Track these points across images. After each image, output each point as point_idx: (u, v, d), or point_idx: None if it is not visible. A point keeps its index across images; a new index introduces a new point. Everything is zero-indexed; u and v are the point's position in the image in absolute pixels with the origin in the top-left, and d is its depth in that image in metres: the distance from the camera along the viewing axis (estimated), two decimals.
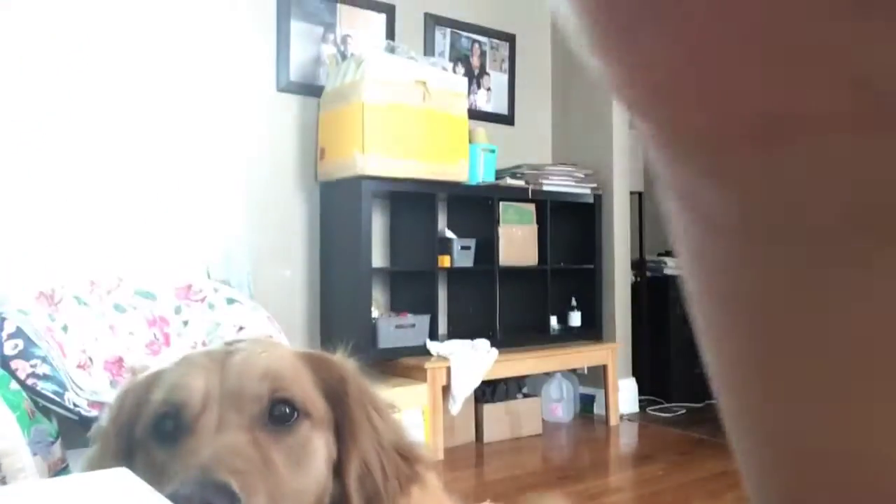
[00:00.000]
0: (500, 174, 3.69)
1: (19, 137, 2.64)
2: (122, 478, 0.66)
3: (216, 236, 3.01)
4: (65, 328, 2.37)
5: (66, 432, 2.05)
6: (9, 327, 2.13)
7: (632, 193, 4.16)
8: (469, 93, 3.64)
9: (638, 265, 4.24)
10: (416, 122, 3.21)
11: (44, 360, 2.11)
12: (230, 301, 2.75)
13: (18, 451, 1.85)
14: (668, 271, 4.26)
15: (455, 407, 3.17)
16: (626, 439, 3.58)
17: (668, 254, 4.48)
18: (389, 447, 0.83)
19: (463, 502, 2.34)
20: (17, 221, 2.62)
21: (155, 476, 0.71)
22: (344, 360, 0.87)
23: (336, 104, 3.21)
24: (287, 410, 0.77)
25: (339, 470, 0.80)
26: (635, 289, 4.16)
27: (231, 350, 0.81)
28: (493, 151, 3.62)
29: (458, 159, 3.36)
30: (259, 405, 0.75)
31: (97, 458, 0.79)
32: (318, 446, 0.79)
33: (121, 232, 2.83)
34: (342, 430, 0.81)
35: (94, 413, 2.09)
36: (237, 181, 3.10)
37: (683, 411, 3.98)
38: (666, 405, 4.07)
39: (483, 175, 3.55)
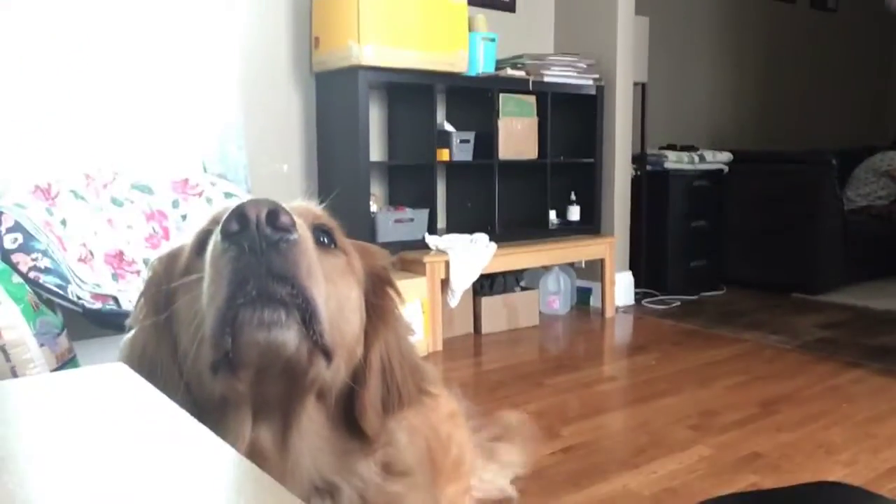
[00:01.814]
0: (500, 64, 3.59)
1: (13, 31, 2.54)
2: (119, 372, 0.68)
3: (211, 130, 2.96)
4: (63, 222, 2.36)
5: (71, 324, 2.09)
6: (7, 221, 2.12)
7: (635, 84, 4.06)
8: None
9: (638, 159, 4.20)
10: (413, 9, 3.09)
11: (44, 253, 2.12)
12: (228, 195, 2.74)
13: (26, 342, 1.89)
14: (668, 165, 4.23)
15: (454, 300, 3.22)
16: (620, 330, 3.66)
17: (670, 147, 4.42)
18: (408, 356, 0.85)
19: (462, 392, 2.40)
20: (11, 115, 2.57)
21: (199, 280, 0.72)
22: (386, 254, 0.88)
23: None
24: (326, 241, 0.78)
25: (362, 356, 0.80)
26: (635, 183, 4.13)
27: None
28: (493, 40, 3.50)
29: (456, 48, 3.25)
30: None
31: (139, 328, 0.80)
32: (355, 292, 0.80)
33: (115, 126, 2.78)
34: (373, 316, 0.82)
35: (97, 305, 2.11)
36: (231, 73, 3.01)
37: (678, 303, 4.05)
38: (661, 297, 4.14)
39: (483, 65, 3.45)
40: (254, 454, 0.72)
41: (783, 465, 1.99)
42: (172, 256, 0.82)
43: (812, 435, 2.20)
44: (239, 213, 0.66)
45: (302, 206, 0.81)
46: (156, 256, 0.85)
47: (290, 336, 0.67)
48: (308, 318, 0.67)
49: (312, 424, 0.75)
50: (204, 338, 0.68)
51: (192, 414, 0.74)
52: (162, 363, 0.76)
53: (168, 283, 0.79)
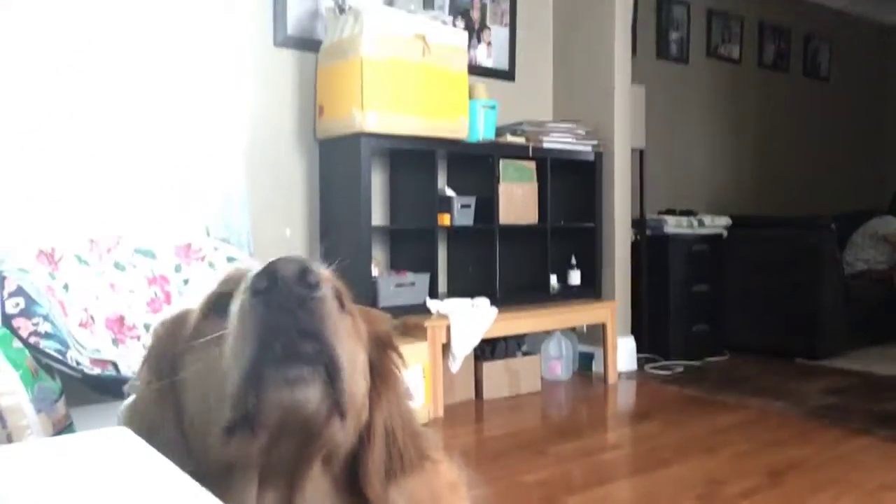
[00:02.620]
0: (500, 131, 3.66)
1: (18, 96, 2.60)
2: (122, 436, 0.67)
3: (215, 195, 2.99)
4: (66, 287, 2.37)
5: (69, 390, 2.07)
6: (10, 286, 2.13)
7: (633, 151, 4.12)
8: (469, 47, 3.59)
9: (638, 224, 4.23)
10: (415, 78, 3.17)
11: (45, 318, 2.11)
12: (230, 259, 2.75)
13: (23, 408, 1.87)
14: (668, 230, 4.26)
15: (455, 365, 3.19)
16: (623, 397, 3.62)
17: (669, 212, 4.47)
18: (409, 421, 0.85)
19: (463, 461, 2.36)
20: (17, 180, 2.60)
21: (210, 342, 0.72)
22: (389, 319, 0.88)
23: (334, 59, 3.16)
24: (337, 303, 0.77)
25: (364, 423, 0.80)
26: (635, 247, 4.16)
27: None
28: (493, 108, 3.57)
29: (457, 116, 3.32)
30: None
31: (141, 392, 0.79)
32: (362, 355, 0.79)
33: (120, 190, 2.81)
34: (376, 380, 0.82)
35: (96, 371, 2.10)
36: (236, 139, 3.06)
37: (681, 369, 4.01)
38: (664, 363, 4.10)
39: (483, 132, 3.52)
40: None
41: None
42: (177, 321, 0.82)
43: None
44: (269, 271, 0.66)
45: (290, 259, 0.81)
46: (158, 321, 0.85)
47: (313, 394, 0.67)
48: (332, 375, 0.68)
49: (317, 491, 0.74)
50: (223, 397, 0.67)
51: (195, 480, 0.73)
52: (165, 429, 0.75)
53: (173, 347, 0.79)
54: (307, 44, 3.33)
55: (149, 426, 0.75)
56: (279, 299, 0.65)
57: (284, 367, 0.65)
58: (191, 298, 2.72)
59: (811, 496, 2.22)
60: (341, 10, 3.25)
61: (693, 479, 2.38)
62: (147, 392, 0.78)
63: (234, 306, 0.69)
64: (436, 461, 0.91)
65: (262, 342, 0.65)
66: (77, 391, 2.12)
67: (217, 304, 0.77)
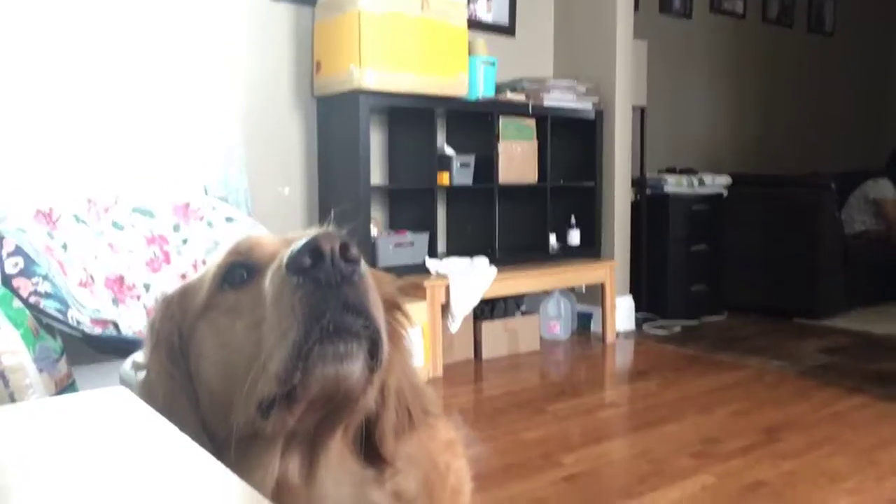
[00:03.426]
0: (500, 88, 3.61)
1: (17, 55, 2.56)
2: (121, 396, 0.67)
3: (213, 154, 2.97)
4: (64, 246, 2.36)
5: (70, 349, 2.08)
6: (8, 246, 2.12)
7: (634, 108, 4.08)
8: (469, 2, 3.52)
9: (638, 183, 4.21)
10: (414, 33, 3.12)
11: (45, 277, 2.11)
12: (229, 219, 2.74)
13: (25, 367, 1.88)
14: (668, 189, 4.24)
15: (454, 325, 3.21)
16: (621, 356, 3.64)
17: (669, 171, 4.44)
18: (414, 379, 0.85)
19: (462, 419, 2.39)
20: (14, 139, 2.58)
21: (229, 314, 0.72)
22: (394, 280, 0.89)
23: (332, 13, 3.11)
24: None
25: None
26: (635, 206, 4.14)
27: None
28: (492, 64, 3.52)
29: (457, 72, 3.27)
30: None
31: (152, 374, 0.78)
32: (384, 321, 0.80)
33: (117, 150, 2.79)
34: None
35: (97, 331, 2.11)
36: (233, 97, 3.03)
37: (679, 328, 4.03)
38: (662, 322, 4.12)
39: (483, 89, 3.47)
40: (281, 488, 0.71)
41: (788, 494, 1.97)
42: (185, 293, 0.81)
43: (816, 463, 2.19)
44: (312, 248, 0.66)
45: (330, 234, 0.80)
46: (161, 295, 0.84)
47: (358, 367, 0.68)
48: (373, 347, 0.68)
49: (337, 455, 0.75)
50: (260, 374, 0.67)
51: (209, 451, 0.73)
52: (182, 413, 0.74)
53: (181, 322, 0.78)
54: None
55: (166, 412, 0.74)
56: (325, 276, 0.65)
57: (333, 342, 0.66)
58: (190, 256, 2.72)
59: (806, 454, 2.25)
60: None
61: (689, 437, 2.41)
62: (158, 374, 0.77)
63: (269, 282, 0.68)
64: (438, 417, 0.92)
65: (308, 319, 0.65)
66: (78, 350, 2.13)
67: (230, 274, 0.76)
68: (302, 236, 0.68)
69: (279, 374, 0.66)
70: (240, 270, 0.76)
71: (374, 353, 0.69)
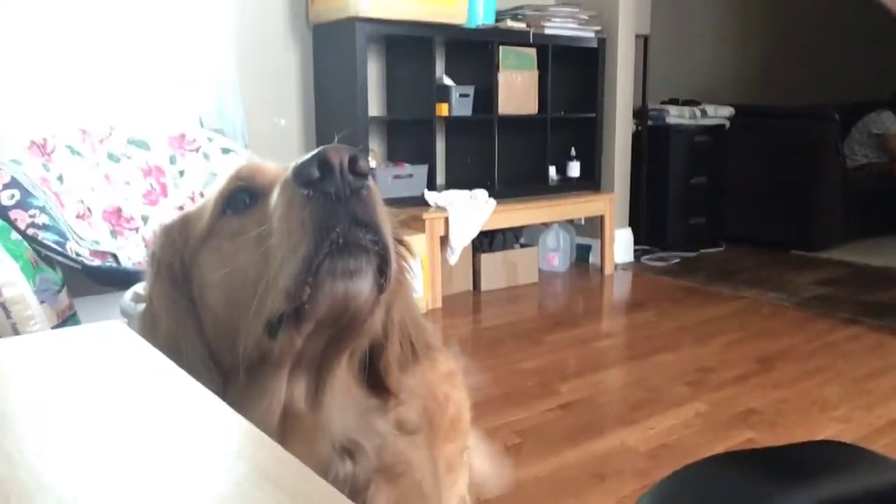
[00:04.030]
0: (500, 16, 3.52)
1: None
2: (118, 330, 0.67)
3: (208, 84, 2.91)
4: (60, 178, 2.35)
5: (71, 281, 2.09)
6: (3, 177, 2.10)
7: (637, 37, 3.99)
8: None
9: (639, 114, 4.15)
10: None
11: (42, 209, 2.10)
12: (225, 151, 2.71)
13: (26, 298, 1.89)
14: (669, 120, 4.18)
15: (453, 257, 3.22)
16: (619, 287, 3.67)
17: (672, 102, 4.37)
18: (416, 312, 0.85)
19: (461, 349, 2.42)
20: (6, 71, 2.53)
21: (233, 238, 0.71)
22: (395, 213, 0.88)
23: None
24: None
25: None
26: (635, 138, 4.10)
27: None
28: None
29: None
30: None
31: (154, 303, 0.77)
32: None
33: (111, 81, 2.74)
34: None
35: (96, 262, 2.11)
36: (227, 26, 2.95)
37: (677, 260, 4.05)
38: (660, 254, 4.14)
39: (482, 16, 3.39)
40: (287, 413, 0.71)
41: (778, 422, 2.02)
42: (186, 220, 0.79)
43: (808, 391, 2.23)
44: (320, 160, 0.64)
45: (339, 147, 0.79)
46: (160, 225, 0.82)
47: (367, 284, 0.66)
48: (382, 265, 0.67)
49: (342, 383, 0.75)
50: (266, 292, 0.65)
51: (216, 380, 0.73)
52: (188, 341, 0.73)
53: (182, 250, 0.77)
54: None
55: (171, 341, 0.73)
56: (334, 189, 0.64)
57: (343, 257, 0.64)
58: (187, 187, 2.70)
59: (798, 383, 2.30)
60: None
61: (684, 366, 2.45)
62: (161, 302, 0.76)
63: (277, 196, 0.66)
64: (437, 352, 0.93)
65: (318, 233, 0.63)
66: (78, 282, 2.14)
67: (233, 200, 0.74)
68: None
69: (288, 289, 0.64)
70: (242, 196, 0.74)
71: (382, 269, 0.67)
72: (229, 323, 0.71)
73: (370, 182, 0.66)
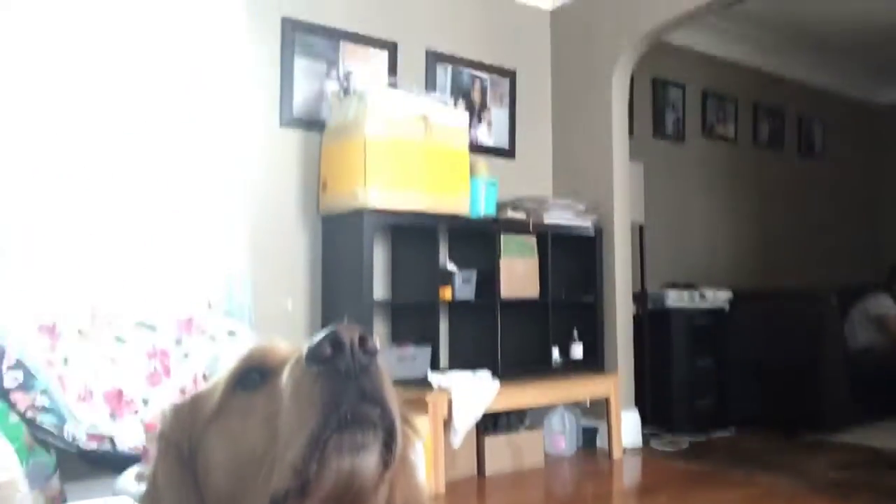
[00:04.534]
0: (501, 206, 3.71)
1: (21, 168, 2.67)
2: None
3: (218, 268, 3.02)
4: (65, 361, 2.37)
5: (64, 465, 2.05)
6: (9, 359, 2.13)
7: (633, 225, 4.17)
8: (470, 127, 3.68)
9: (639, 297, 4.24)
10: (417, 156, 3.24)
11: (44, 392, 2.11)
12: (231, 333, 2.76)
13: (17, 483, 1.85)
14: (669, 304, 4.26)
15: (456, 439, 3.15)
16: (629, 473, 3.54)
17: (671, 286, 4.48)
18: (422, 495, 0.84)
19: None
20: (18, 252, 2.64)
21: (242, 415, 0.72)
22: (400, 392, 0.90)
23: (339, 138, 3.25)
24: None
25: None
26: (637, 321, 4.15)
27: None
28: (494, 184, 3.64)
29: (459, 192, 3.38)
30: None
31: (161, 475, 0.77)
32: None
33: (122, 264, 2.84)
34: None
35: (92, 445, 2.08)
36: (239, 214, 3.12)
37: (686, 444, 3.94)
38: (670, 438, 4.03)
39: (484, 208, 3.57)
40: None
41: None
42: (196, 401, 0.80)
43: None
44: (333, 339, 0.67)
45: (350, 326, 0.83)
46: (169, 406, 0.84)
47: (373, 458, 0.67)
48: (388, 439, 0.68)
49: None
50: (272, 469, 0.66)
51: None
52: None
53: (191, 429, 0.78)
54: (312, 124, 3.43)
55: None
56: (344, 366, 0.66)
57: (350, 432, 0.65)
58: (190, 370, 2.71)
59: None
60: (346, 93, 3.36)
61: None
62: (166, 482, 0.76)
63: (288, 374, 0.69)
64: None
65: (327, 408, 0.65)
66: (71, 466, 2.09)
67: (244, 379, 0.76)
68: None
69: (296, 465, 0.65)
70: (254, 375, 0.76)
71: (388, 444, 0.68)
72: (233, 501, 0.71)
73: (378, 359, 0.69)
